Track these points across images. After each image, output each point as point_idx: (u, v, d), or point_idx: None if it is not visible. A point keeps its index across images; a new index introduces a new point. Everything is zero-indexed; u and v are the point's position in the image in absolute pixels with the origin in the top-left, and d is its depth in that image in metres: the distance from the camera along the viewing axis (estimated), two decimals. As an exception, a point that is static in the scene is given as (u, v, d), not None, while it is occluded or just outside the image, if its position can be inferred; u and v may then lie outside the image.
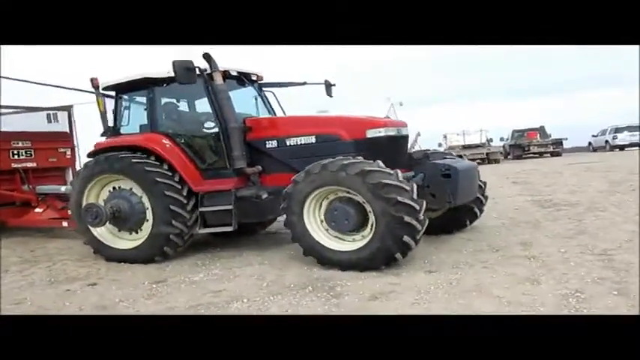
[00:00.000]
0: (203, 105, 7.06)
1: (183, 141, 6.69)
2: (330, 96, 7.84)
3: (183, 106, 7.39)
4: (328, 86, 7.77)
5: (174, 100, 7.13)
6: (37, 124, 15.20)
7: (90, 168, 6.71)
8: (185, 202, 6.28)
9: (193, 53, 5.90)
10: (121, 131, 7.12)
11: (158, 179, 6.23)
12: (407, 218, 4.77)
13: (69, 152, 10.43)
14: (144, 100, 6.88)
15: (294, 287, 4.71)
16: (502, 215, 7.98)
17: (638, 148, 26.89)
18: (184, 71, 5.77)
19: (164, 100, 6.90)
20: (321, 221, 5.44)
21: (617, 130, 31.34)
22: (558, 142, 31.21)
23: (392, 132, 6.00)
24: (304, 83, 7.74)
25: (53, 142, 10.23)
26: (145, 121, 6.83)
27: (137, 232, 6.71)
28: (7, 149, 9.31)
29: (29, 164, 9.63)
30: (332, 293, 4.42)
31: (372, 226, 5.10)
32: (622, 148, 30.22)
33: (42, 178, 9.79)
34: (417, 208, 4.86)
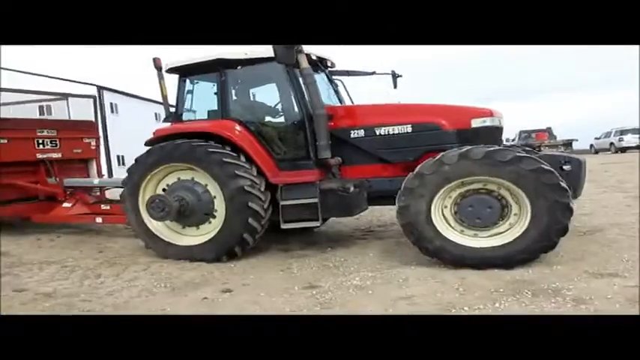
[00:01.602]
0: (267, 93, 6.60)
1: (256, 129, 6.17)
2: (395, 87, 7.45)
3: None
4: (394, 77, 7.37)
5: (247, 85, 6.59)
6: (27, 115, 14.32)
7: (153, 156, 6.12)
8: (263, 198, 5.76)
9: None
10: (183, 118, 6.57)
11: (237, 172, 5.68)
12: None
13: (94, 143, 9.71)
14: (211, 83, 6.34)
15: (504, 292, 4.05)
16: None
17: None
18: (285, 51, 5.29)
19: (237, 85, 6.36)
20: (455, 218, 4.94)
21: (623, 132, 31.12)
22: (568, 143, 30.40)
23: (496, 122, 5.62)
24: (373, 73, 7.33)
25: (79, 131, 9.49)
26: (214, 107, 6.28)
27: (197, 228, 6.16)
28: (31, 138, 8.57)
29: (54, 155, 8.89)
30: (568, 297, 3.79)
31: (518, 218, 4.73)
32: (624, 150, 29.92)
33: (66, 170, 9.06)
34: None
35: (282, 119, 6.24)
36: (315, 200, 5.68)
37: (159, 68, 6.44)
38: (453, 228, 4.91)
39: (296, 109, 5.98)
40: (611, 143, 31.82)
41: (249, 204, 5.64)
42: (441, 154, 4.84)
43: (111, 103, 33.86)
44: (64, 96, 23.97)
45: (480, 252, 4.72)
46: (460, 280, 4.38)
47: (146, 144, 6.57)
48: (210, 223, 6.05)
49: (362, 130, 5.89)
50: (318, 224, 5.66)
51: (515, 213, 4.75)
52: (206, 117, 6.42)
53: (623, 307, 3.48)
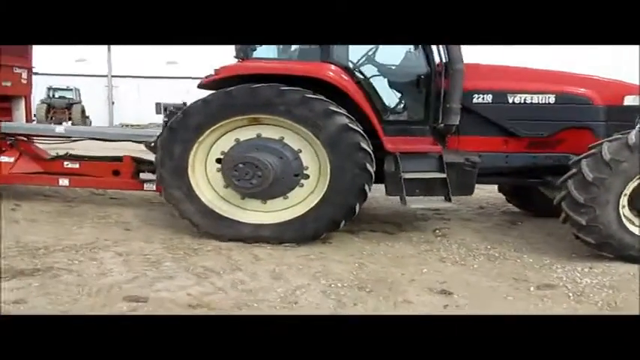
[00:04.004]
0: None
1: (365, 80, 4.88)
2: None
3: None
4: None
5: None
6: None
7: (215, 104, 4.55)
8: (373, 170, 4.58)
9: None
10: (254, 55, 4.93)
11: (351, 125, 4.46)
12: None
13: (25, 75, 7.04)
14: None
15: None
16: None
17: None
18: None
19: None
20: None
21: None
22: None
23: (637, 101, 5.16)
24: None
25: (9, 56, 6.74)
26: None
27: (264, 202, 4.75)
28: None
29: (-25, 87, 6.21)
30: None
31: None
32: None
33: None
34: None
35: (400, 71, 5.01)
36: (444, 175, 4.70)
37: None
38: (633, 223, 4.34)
39: (422, 59, 4.83)
40: None
41: (366, 164, 4.49)
42: (631, 136, 4.18)
43: None
44: None
45: None
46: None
47: (203, 86, 4.83)
48: (287, 197, 4.77)
49: (489, 95, 4.98)
50: (450, 204, 4.68)
51: None
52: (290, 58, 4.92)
53: None
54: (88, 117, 27.11)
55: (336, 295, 3.54)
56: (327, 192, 4.56)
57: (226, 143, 4.73)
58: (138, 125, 32.33)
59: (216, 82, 4.78)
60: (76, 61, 31.87)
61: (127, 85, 34.43)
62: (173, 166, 4.70)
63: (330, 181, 4.54)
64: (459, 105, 4.70)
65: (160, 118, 36.40)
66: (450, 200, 4.63)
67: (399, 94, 5.09)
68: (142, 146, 5.88)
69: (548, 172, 5.05)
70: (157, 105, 37.97)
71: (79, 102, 27.42)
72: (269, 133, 4.67)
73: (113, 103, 34.49)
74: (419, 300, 3.53)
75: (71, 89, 27.65)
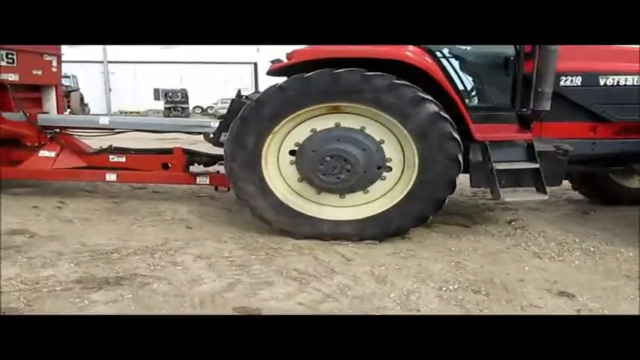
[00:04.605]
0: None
1: (447, 62, 4.53)
2: None
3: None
4: None
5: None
6: None
7: (291, 91, 4.19)
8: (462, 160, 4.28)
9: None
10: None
11: (442, 114, 4.13)
12: None
13: (55, 63, 6.61)
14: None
15: None
16: None
17: None
18: None
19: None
20: None
21: None
22: None
23: None
24: None
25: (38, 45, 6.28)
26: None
27: (342, 197, 4.45)
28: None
29: (11, 76, 5.77)
30: None
31: None
32: None
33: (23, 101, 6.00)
34: None
35: (482, 53, 4.67)
36: (537, 165, 4.39)
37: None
38: None
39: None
40: None
41: (457, 155, 4.19)
42: None
43: None
44: None
45: None
46: None
47: (272, 73, 4.47)
48: (367, 192, 4.45)
49: (579, 77, 4.65)
50: (546, 197, 4.38)
51: None
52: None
53: None
54: (87, 105, 26.46)
55: (455, 301, 3.25)
56: (414, 185, 4.26)
57: (301, 133, 4.40)
58: (137, 112, 31.80)
59: (287, 68, 4.43)
60: (70, 47, 31.07)
61: (123, 71, 33.72)
62: (245, 158, 4.36)
63: (418, 173, 4.23)
64: (551, 89, 4.38)
65: (158, 105, 35.89)
66: (545, 192, 4.34)
67: (482, 78, 4.75)
68: (176, 136, 5.53)
69: (635, 159, 4.78)
70: (155, 91, 37.28)
71: (77, 89, 26.70)
72: (349, 122, 4.33)
73: (110, 90, 33.80)
74: (545, 303, 3.25)
75: (68, 76, 26.85)
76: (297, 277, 3.54)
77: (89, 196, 5.95)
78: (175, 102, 30.61)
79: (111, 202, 5.70)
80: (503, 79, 4.59)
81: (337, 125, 4.34)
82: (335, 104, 4.24)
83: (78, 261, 3.72)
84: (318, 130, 4.36)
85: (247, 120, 4.32)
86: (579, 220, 5.31)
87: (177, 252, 3.99)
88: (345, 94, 4.17)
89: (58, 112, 6.65)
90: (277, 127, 4.31)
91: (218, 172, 5.67)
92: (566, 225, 5.09)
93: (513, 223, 5.10)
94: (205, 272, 3.58)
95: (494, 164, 4.32)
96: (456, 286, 3.46)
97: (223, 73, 40.02)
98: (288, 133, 4.42)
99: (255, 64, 42.71)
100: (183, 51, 37.27)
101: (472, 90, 4.74)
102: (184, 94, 31.58)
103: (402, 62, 4.19)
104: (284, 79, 4.37)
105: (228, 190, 5.66)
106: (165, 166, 5.66)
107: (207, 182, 5.50)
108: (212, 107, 35.97)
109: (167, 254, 3.93)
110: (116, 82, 34.53)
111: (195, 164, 5.72)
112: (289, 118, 4.28)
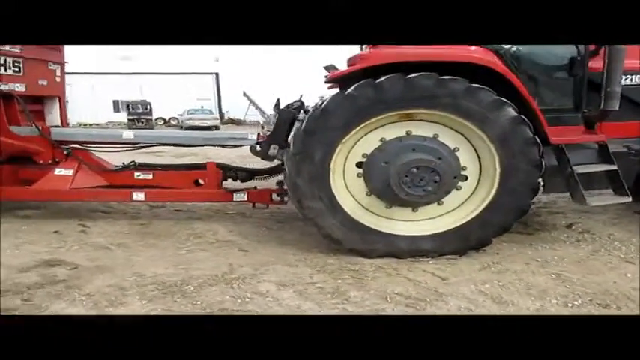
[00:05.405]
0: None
1: (513, 65, 4.31)
2: None
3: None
4: None
5: None
6: None
7: (362, 99, 3.84)
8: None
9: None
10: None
11: (533, 136, 3.90)
12: None
13: (59, 72, 5.99)
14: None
15: None
16: None
17: None
18: None
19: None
20: None
21: None
22: None
23: None
24: None
25: (43, 50, 5.66)
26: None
27: (414, 210, 4.16)
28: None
29: (17, 87, 5.16)
30: None
31: None
32: None
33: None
34: None
35: (547, 52, 4.47)
36: (614, 167, 4.23)
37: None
38: None
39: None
40: None
41: (541, 161, 3.96)
42: None
43: None
44: None
45: None
46: None
47: (332, 80, 4.14)
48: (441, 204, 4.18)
49: (638, 76, 4.54)
50: (629, 199, 4.22)
51: None
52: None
53: None
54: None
55: (589, 318, 3.00)
56: (496, 194, 4.00)
57: (368, 144, 4.07)
58: (96, 125, 30.43)
59: (346, 75, 4.09)
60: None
61: (80, 83, 32.30)
62: (312, 173, 3.98)
63: (500, 181, 3.97)
64: (620, 88, 4.23)
65: (119, 117, 34.50)
66: (627, 194, 4.18)
67: (546, 79, 4.55)
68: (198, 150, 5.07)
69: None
70: (115, 102, 35.92)
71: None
72: (421, 130, 4.03)
73: (67, 101, 32.15)
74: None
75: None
76: (407, 302, 3.20)
77: (108, 217, 5.39)
78: (138, 113, 29.56)
79: (137, 223, 5.17)
80: (569, 79, 4.42)
81: (408, 134, 4.04)
82: (409, 111, 3.94)
83: (148, 296, 3.24)
84: (387, 139, 4.04)
85: (312, 131, 3.94)
86: (636, 221, 5.18)
87: (254, 280, 3.56)
88: (420, 99, 3.87)
89: (62, 126, 6.05)
90: (346, 138, 3.96)
91: (255, 187, 5.27)
92: (626, 226, 4.96)
93: (574, 227, 4.94)
94: (301, 302, 3.19)
95: (575, 168, 4.13)
96: (579, 301, 3.22)
97: (183, 83, 39.13)
98: (356, 143, 4.08)
99: (217, 74, 42.00)
100: (142, 62, 36.16)
101: (541, 92, 4.53)
102: (147, 105, 30.56)
103: (476, 65, 3.94)
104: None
105: (267, 207, 5.28)
106: (196, 183, 5.19)
107: (245, 199, 5.07)
108: (176, 119, 35.00)
109: (244, 283, 3.49)
110: (72, 93, 33.00)
111: (230, 180, 5.28)
112: (359, 127, 3.94)
